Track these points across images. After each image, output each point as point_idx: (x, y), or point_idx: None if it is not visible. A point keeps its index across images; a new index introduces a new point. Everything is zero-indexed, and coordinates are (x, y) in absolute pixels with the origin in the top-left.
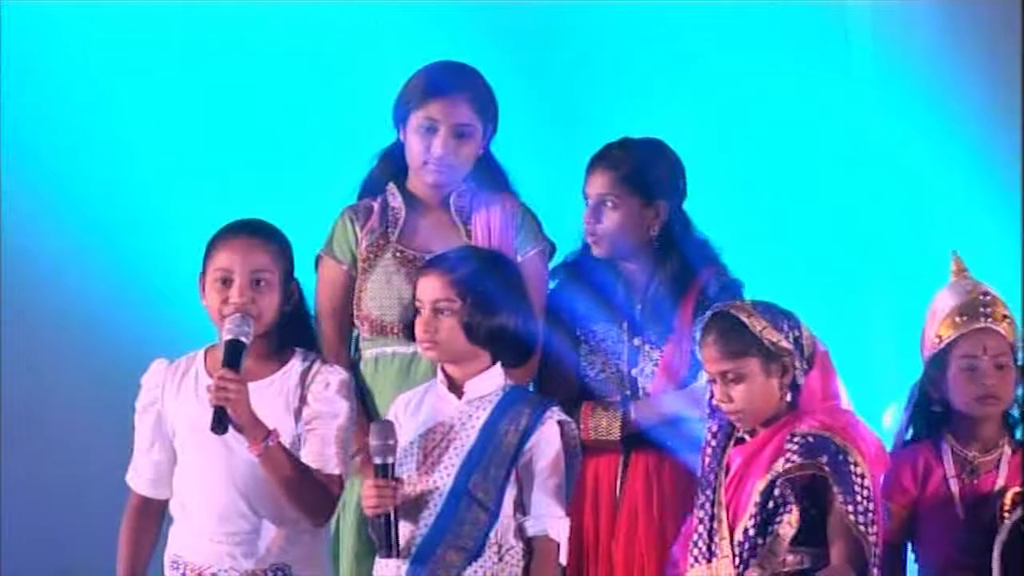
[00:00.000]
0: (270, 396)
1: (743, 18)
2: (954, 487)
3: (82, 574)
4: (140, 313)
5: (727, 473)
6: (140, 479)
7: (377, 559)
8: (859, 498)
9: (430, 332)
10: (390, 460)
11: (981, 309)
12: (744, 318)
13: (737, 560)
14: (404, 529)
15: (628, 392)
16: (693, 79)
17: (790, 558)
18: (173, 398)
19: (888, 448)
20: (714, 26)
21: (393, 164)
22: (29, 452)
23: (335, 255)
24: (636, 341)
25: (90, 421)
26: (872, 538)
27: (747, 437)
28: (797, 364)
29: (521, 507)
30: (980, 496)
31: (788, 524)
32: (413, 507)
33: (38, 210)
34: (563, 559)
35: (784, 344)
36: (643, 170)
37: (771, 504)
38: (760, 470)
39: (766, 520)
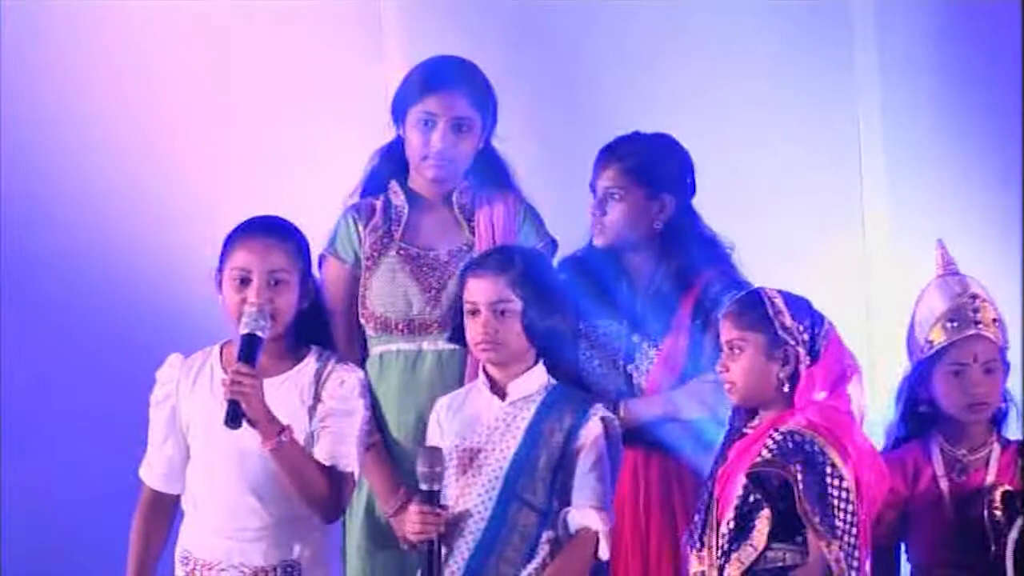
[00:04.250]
0: (284, 393)
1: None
2: (944, 486)
3: (84, 574)
4: (139, 313)
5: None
6: (152, 474)
7: None
8: (831, 500)
9: (491, 333)
10: (436, 487)
11: (971, 315)
12: (766, 298)
13: (719, 551)
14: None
15: (624, 388)
16: (694, 76)
17: (770, 554)
18: (188, 393)
19: (880, 446)
20: (714, 24)
21: (394, 162)
22: (29, 452)
23: (338, 254)
24: (635, 337)
25: (90, 421)
26: (843, 540)
27: (749, 431)
28: (802, 357)
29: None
30: (969, 494)
31: (765, 519)
32: (457, 511)
33: (38, 208)
34: (604, 554)
35: (796, 334)
36: (649, 163)
37: (751, 498)
38: (747, 463)
39: (746, 513)
